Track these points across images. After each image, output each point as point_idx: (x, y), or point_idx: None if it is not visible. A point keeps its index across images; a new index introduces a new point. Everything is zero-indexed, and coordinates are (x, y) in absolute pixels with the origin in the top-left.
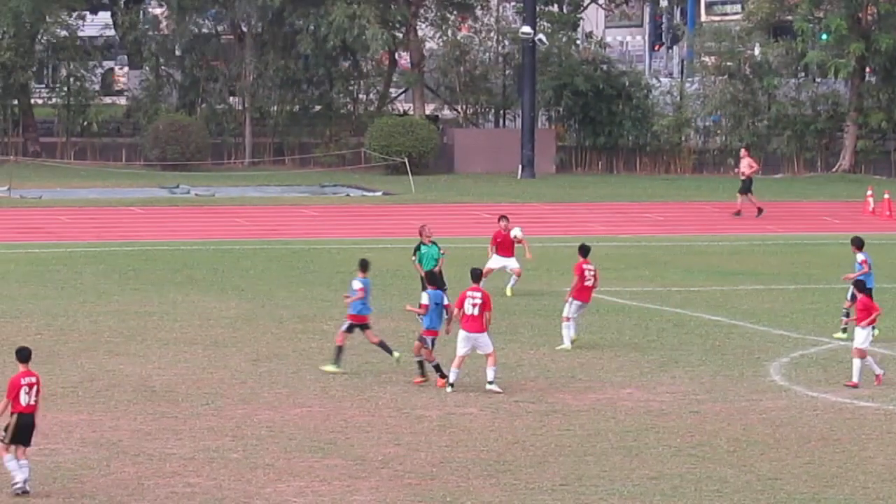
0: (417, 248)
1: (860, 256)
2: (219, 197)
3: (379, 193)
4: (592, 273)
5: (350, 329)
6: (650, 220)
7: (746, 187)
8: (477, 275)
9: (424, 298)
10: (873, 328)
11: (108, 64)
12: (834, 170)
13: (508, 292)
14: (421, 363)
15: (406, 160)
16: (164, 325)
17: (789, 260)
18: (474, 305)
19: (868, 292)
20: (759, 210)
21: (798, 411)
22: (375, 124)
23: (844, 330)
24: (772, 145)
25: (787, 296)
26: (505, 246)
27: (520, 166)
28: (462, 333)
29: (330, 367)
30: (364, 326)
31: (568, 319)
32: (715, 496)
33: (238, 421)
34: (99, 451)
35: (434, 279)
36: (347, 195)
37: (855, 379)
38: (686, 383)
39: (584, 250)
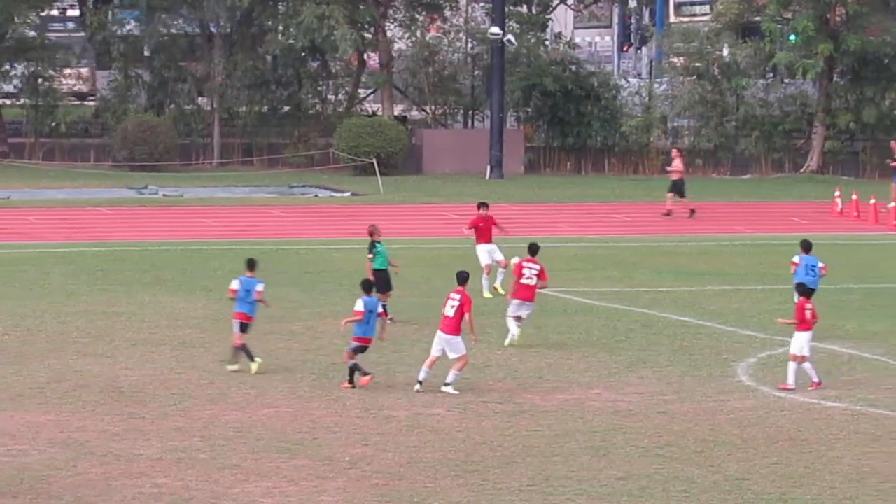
0: (373, 247)
1: (810, 259)
2: (187, 197)
3: (347, 194)
4: (535, 272)
5: (243, 328)
6: (618, 220)
7: (678, 188)
8: (463, 278)
9: (359, 305)
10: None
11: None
12: (802, 170)
13: (501, 290)
14: (353, 369)
15: (375, 161)
16: (132, 325)
17: (757, 260)
18: (452, 307)
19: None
20: (692, 211)
21: (766, 412)
22: (344, 125)
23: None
24: (740, 146)
25: (754, 296)
26: (483, 232)
27: (488, 167)
28: (437, 334)
29: (233, 367)
30: (243, 327)
31: (512, 317)
32: (682, 496)
33: (206, 421)
34: (66, 451)
35: (370, 286)
36: (316, 196)
37: (789, 382)
38: (654, 384)
39: (532, 249)
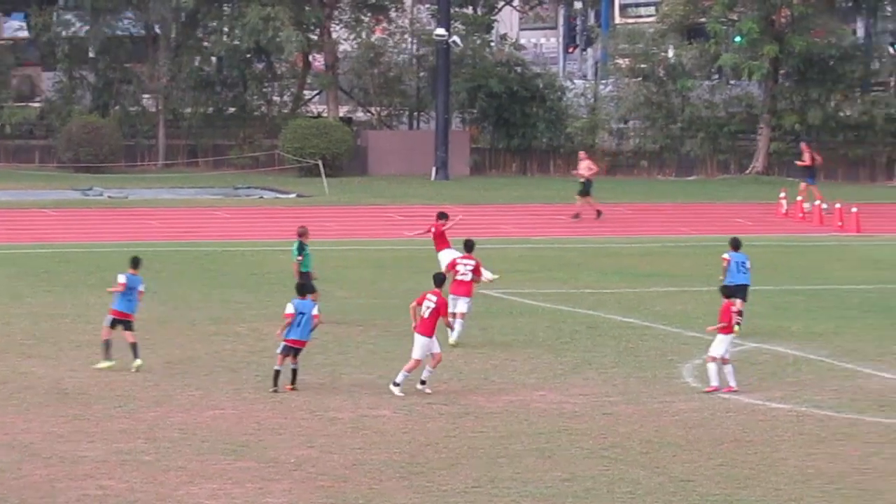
0: (303, 249)
1: (739, 256)
2: (132, 199)
3: (293, 195)
4: (470, 268)
5: (113, 324)
6: (563, 221)
7: (586, 190)
8: (440, 280)
9: (289, 308)
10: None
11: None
12: (747, 172)
13: None
14: (294, 371)
15: (320, 162)
16: (77, 327)
17: (702, 262)
18: (427, 308)
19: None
20: (598, 212)
21: (711, 413)
22: (289, 126)
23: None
24: (685, 147)
25: (700, 298)
26: (444, 238)
27: (434, 168)
28: (416, 338)
29: (103, 364)
30: (127, 325)
31: (454, 316)
32: (628, 498)
33: (151, 423)
34: (11, 453)
35: (305, 289)
36: (261, 197)
37: (713, 383)
38: (599, 385)
39: (467, 245)
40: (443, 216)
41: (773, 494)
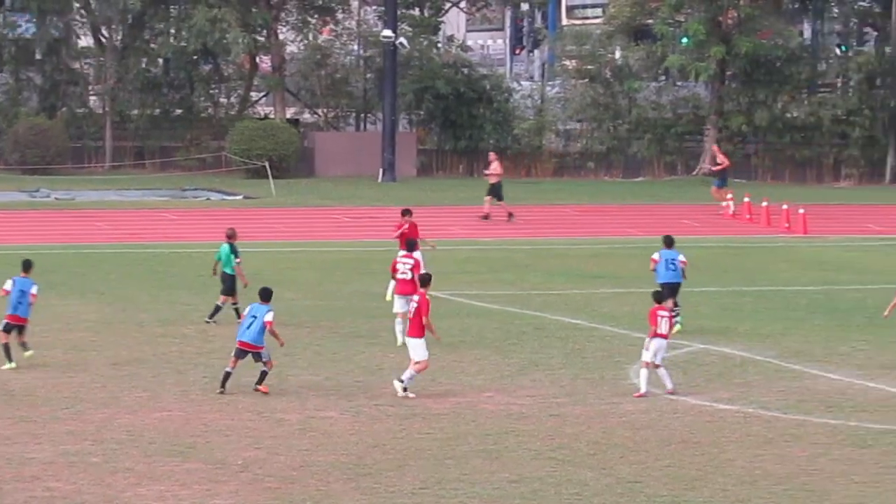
0: (236, 252)
1: (670, 253)
2: (79, 201)
3: (240, 197)
4: (409, 266)
5: (7, 329)
6: (511, 223)
7: (496, 191)
8: (425, 280)
9: (246, 310)
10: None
11: None
12: (694, 173)
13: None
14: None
15: (267, 164)
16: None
17: (649, 263)
18: (411, 309)
19: (667, 290)
20: (510, 214)
21: (658, 414)
22: (236, 128)
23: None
24: (632, 149)
25: (646, 299)
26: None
27: (381, 170)
28: (408, 341)
29: (6, 366)
30: (20, 329)
31: (399, 315)
32: (575, 499)
33: (98, 425)
34: None
35: (267, 294)
36: (208, 199)
37: (643, 389)
38: (546, 386)
39: (408, 245)
40: (407, 212)
41: (721, 496)
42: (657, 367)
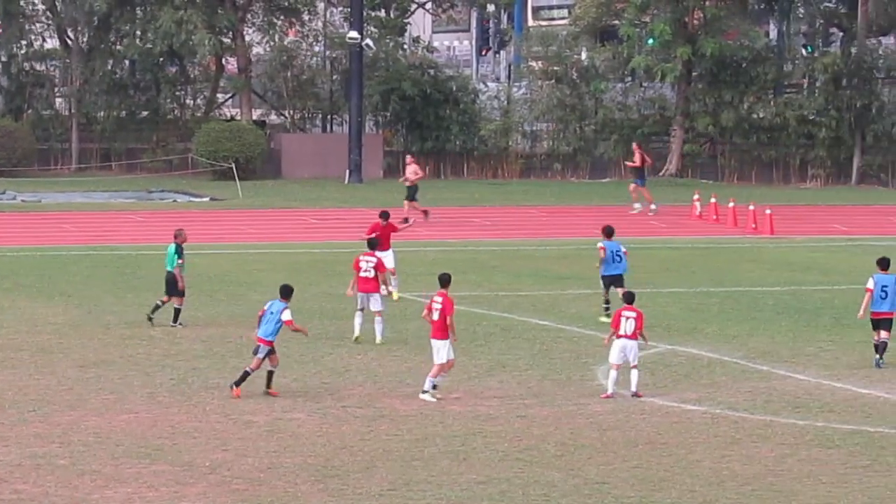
0: (180, 253)
1: (613, 245)
2: (45, 203)
3: (206, 199)
4: (372, 265)
5: None
6: (478, 224)
7: (412, 194)
8: (445, 280)
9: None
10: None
11: None
12: (661, 174)
13: (396, 296)
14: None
15: (233, 165)
16: None
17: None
18: (436, 310)
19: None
20: (425, 213)
21: (625, 415)
22: (203, 130)
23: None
24: (599, 150)
25: (613, 300)
26: (382, 240)
27: (347, 171)
28: (433, 343)
29: None
30: None
31: (358, 310)
32: (542, 500)
33: (65, 427)
34: None
35: (287, 292)
36: (174, 201)
37: (609, 390)
38: (514, 388)
39: (370, 243)
40: (384, 216)
41: (688, 496)
42: (617, 367)
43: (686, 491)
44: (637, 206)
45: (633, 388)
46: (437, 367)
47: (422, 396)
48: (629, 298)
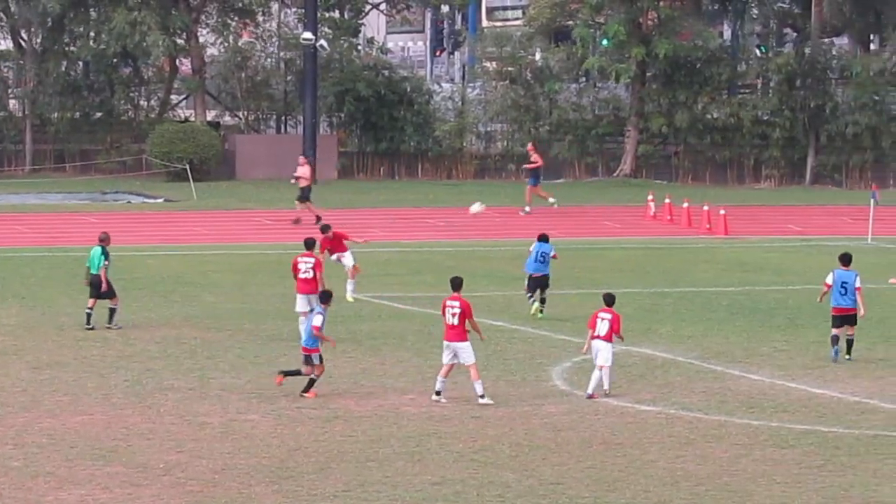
0: (106, 255)
1: (544, 246)
2: None
3: (160, 200)
4: (310, 265)
5: None
6: (432, 225)
7: (305, 195)
8: (457, 283)
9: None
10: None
11: None
12: (615, 174)
13: (350, 298)
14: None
15: (188, 166)
16: None
17: (570, 264)
18: (454, 315)
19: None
20: (318, 218)
21: (580, 416)
22: (157, 131)
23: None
24: (553, 150)
25: (568, 300)
26: (337, 245)
27: None
28: (444, 343)
29: None
30: None
31: (301, 314)
32: (497, 501)
33: (19, 429)
34: None
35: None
36: (129, 202)
37: (590, 390)
38: (469, 388)
39: (307, 244)
40: (326, 228)
41: (642, 497)
42: (601, 368)
43: (640, 491)
44: (552, 199)
45: (590, 391)
46: (473, 369)
47: (481, 402)
48: (609, 300)
